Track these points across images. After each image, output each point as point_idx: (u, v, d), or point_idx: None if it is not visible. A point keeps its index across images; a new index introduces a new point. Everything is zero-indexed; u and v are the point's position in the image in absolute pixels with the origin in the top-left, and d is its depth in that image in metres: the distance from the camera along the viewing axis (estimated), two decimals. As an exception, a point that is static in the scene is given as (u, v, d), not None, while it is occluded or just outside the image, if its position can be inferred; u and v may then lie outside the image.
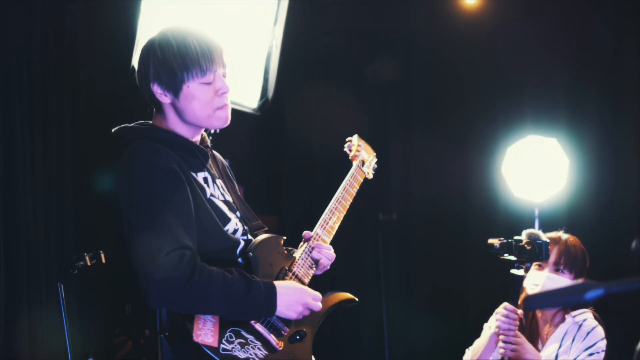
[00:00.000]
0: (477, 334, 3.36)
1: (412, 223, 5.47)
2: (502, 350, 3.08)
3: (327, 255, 2.67)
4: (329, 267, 2.71)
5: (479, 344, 3.31)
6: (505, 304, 3.10)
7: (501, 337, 3.07)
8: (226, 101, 2.52)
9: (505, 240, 2.92)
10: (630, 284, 1.51)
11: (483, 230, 5.27)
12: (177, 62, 2.42)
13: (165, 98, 2.47)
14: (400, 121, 5.52)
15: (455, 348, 5.29)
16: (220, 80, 2.49)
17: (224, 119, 2.52)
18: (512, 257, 2.92)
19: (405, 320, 5.34)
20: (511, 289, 3.02)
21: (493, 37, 5.22)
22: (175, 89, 2.44)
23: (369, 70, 5.35)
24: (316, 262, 2.66)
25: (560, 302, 1.59)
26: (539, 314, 3.33)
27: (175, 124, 2.51)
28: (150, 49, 2.46)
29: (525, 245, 2.91)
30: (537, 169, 4.66)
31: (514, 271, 2.93)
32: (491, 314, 3.33)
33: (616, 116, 4.95)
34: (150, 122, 2.57)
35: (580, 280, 3.23)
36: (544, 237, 2.94)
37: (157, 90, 2.46)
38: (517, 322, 3.07)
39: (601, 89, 5.01)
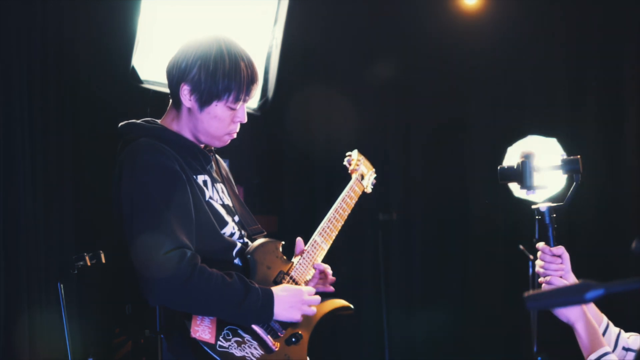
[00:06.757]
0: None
1: (412, 223, 5.46)
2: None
3: (327, 268, 2.74)
4: (332, 288, 2.75)
5: None
6: (539, 245, 2.74)
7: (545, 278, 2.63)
8: (237, 129, 2.56)
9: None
10: (630, 284, 1.51)
11: (483, 230, 5.28)
12: (223, 81, 2.44)
13: (187, 102, 2.48)
14: (400, 121, 5.52)
15: (455, 348, 5.32)
16: (243, 110, 2.53)
17: (224, 144, 2.58)
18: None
19: (405, 320, 5.34)
20: (538, 227, 2.76)
21: (493, 37, 5.22)
22: (205, 101, 2.46)
23: (369, 70, 5.35)
24: (320, 272, 2.72)
25: (560, 302, 1.59)
26: None
27: (184, 127, 2.53)
28: (204, 56, 2.45)
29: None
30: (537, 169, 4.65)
31: (535, 206, 2.74)
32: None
33: (616, 116, 4.94)
34: (158, 120, 2.58)
35: None
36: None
37: (185, 91, 2.47)
38: (555, 258, 2.66)
39: (601, 89, 5.00)
